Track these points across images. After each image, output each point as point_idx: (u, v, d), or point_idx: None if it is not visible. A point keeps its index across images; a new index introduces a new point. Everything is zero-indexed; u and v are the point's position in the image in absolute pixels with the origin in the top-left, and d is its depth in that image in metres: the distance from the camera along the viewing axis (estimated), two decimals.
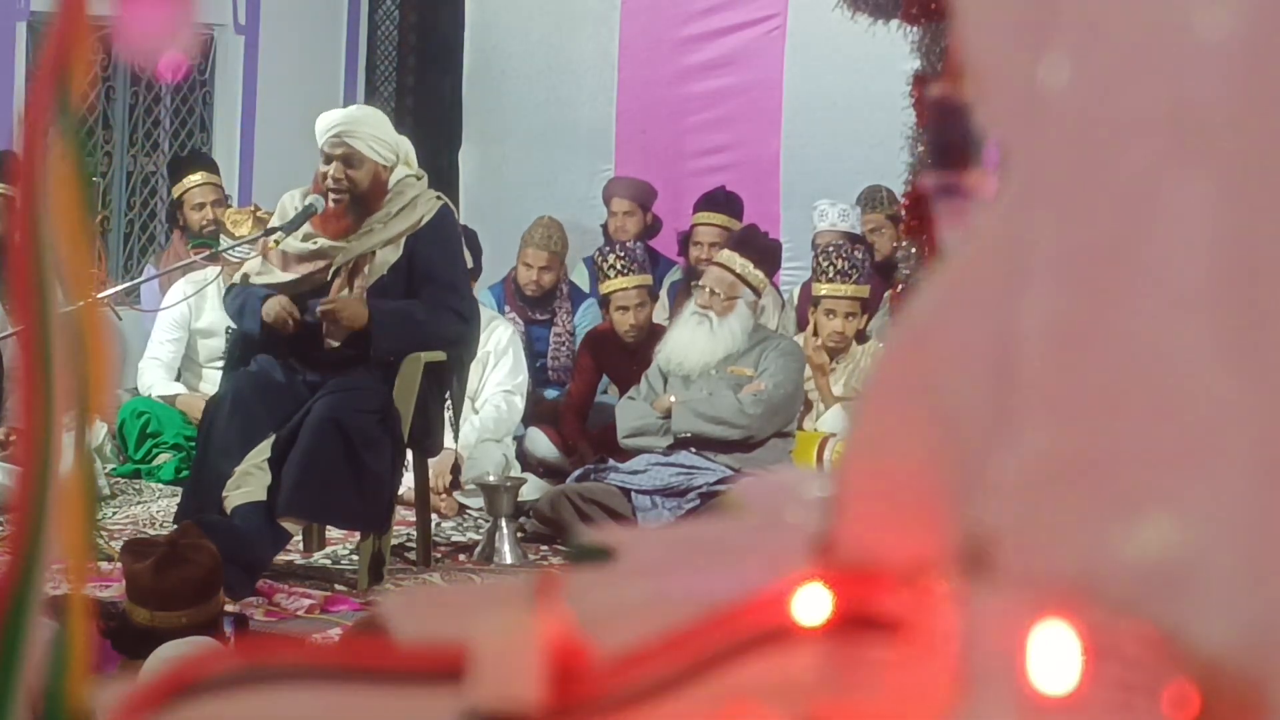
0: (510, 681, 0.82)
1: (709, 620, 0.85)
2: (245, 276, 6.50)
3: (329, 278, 6.34)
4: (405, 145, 6.49)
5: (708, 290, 7.27)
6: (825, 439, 7.34)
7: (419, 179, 6.46)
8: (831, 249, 7.73)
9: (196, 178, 8.45)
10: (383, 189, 6.35)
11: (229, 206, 8.40)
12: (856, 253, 7.71)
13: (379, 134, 6.38)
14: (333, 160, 6.29)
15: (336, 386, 6.23)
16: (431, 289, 6.35)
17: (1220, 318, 0.78)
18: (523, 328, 8.35)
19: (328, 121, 6.38)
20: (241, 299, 6.48)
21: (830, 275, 7.62)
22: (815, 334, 7.65)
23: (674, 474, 7.05)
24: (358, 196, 6.30)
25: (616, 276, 7.78)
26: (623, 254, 7.84)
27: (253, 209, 8.00)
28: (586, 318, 8.54)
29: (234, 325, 6.71)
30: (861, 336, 7.70)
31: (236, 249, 7.36)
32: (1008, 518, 0.82)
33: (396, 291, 6.35)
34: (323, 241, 6.34)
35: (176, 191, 8.54)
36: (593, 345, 8.04)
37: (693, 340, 7.24)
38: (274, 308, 6.29)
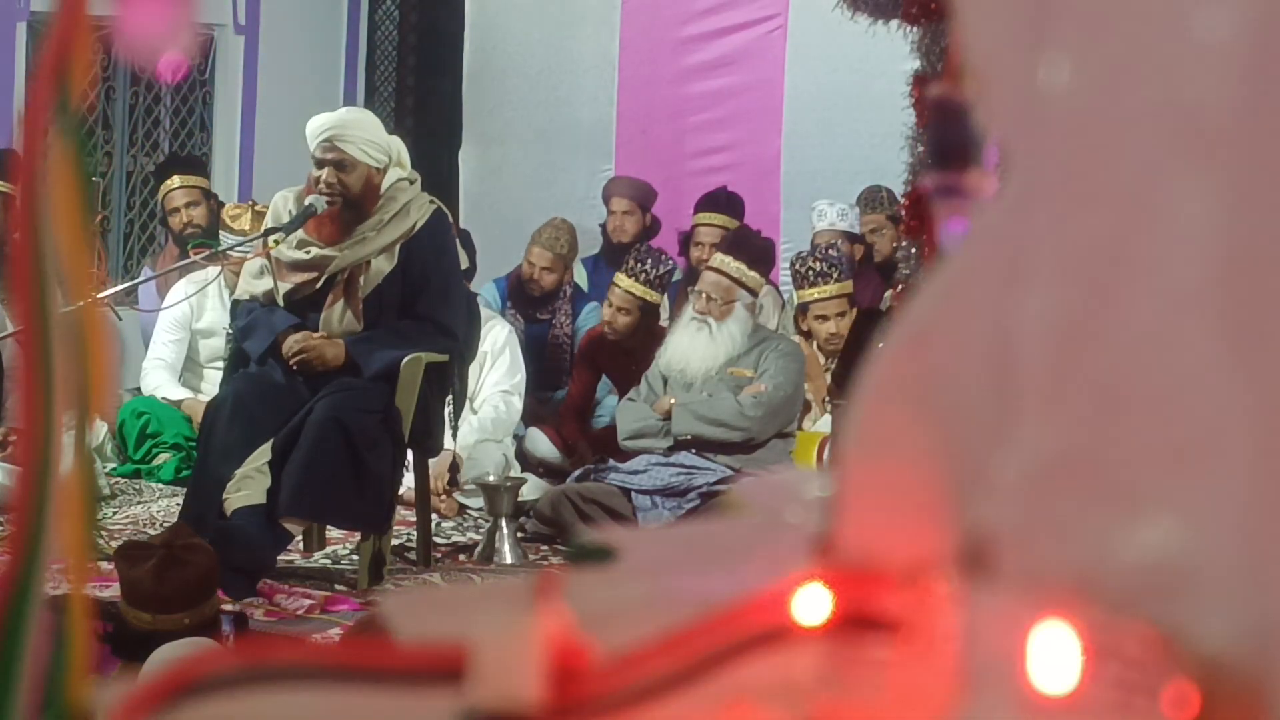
0: (510, 681, 0.82)
1: (709, 620, 0.85)
2: (248, 295, 6.46)
3: (318, 285, 6.31)
4: (397, 146, 6.44)
5: (704, 296, 7.26)
6: (825, 439, 7.33)
7: (412, 182, 6.40)
8: (806, 254, 7.74)
9: (173, 181, 8.46)
10: (375, 192, 6.31)
11: (220, 205, 8.39)
12: (832, 251, 7.71)
13: (370, 136, 6.32)
14: (324, 165, 6.24)
15: (338, 387, 6.22)
16: (424, 300, 6.33)
17: (1220, 317, 0.78)
18: (522, 325, 8.34)
19: (318, 125, 6.31)
20: (247, 320, 6.44)
21: (811, 279, 7.62)
22: (811, 340, 7.65)
23: (674, 474, 7.04)
24: (351, 201, 6.26)
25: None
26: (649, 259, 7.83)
27: (250, 203, 7.99)
28: (590, 321, 8.52)
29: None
30: None
31: (235, 247, 7.36)
32: (1008, 518, 0.82)
33: (392, 300, 6.32)
34: (316, 251, 6.31)
35: (159, 195, 8.57)
36: (591, 346, 8.04)
37: (692, 346, 7.23)
38: (294, 348, 6.26)
